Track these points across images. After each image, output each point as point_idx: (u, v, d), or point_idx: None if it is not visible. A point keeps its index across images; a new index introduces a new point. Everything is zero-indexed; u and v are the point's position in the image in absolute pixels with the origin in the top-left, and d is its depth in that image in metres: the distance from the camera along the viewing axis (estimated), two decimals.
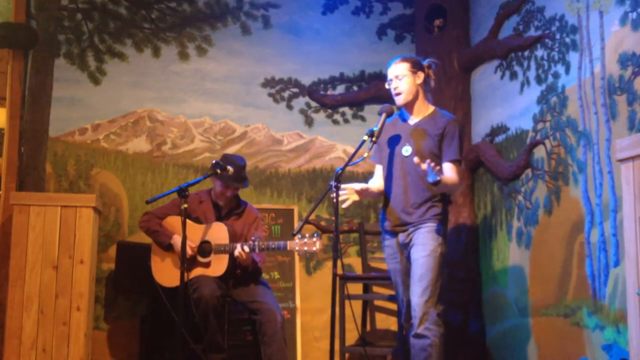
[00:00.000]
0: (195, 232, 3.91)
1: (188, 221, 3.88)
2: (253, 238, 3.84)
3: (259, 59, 5.10)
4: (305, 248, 3.69)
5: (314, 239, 3.69)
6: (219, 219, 4.03)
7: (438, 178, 3.02)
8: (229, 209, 4.09)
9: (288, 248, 3.76)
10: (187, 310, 3.61)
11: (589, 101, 3.57)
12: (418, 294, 3.17)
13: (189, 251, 3.78)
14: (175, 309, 3.39)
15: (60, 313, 3.92)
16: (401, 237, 3.34)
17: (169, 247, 3.91)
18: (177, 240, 3.85)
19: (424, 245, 3.22)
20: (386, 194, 3.42)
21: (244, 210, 4.11)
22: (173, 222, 3.97)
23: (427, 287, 3.16)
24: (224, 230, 3.89)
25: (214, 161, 3.91)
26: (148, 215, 4.04)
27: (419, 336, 3.16)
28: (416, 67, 3.38)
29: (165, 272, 3.90)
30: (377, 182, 3.52)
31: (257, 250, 3.79)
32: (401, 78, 3.35)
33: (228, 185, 3.95)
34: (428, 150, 3.29)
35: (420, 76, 3.38)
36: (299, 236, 3.72)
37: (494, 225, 4.52)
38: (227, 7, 5.09)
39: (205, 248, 3.91)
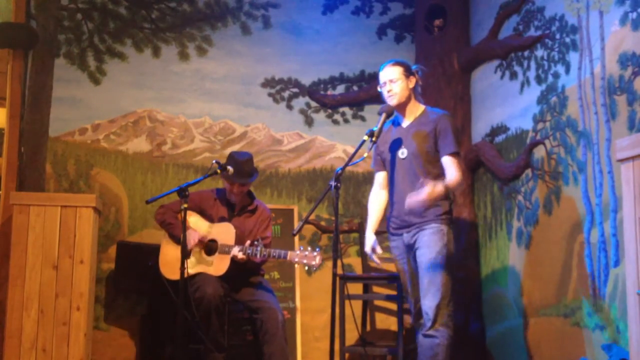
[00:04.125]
0: (204, 230, 3.93)
1: (199, 218, 3.95)
2: (256, 243, 3.83)
3: (259, 59, 5.10)
4: (305, 261, 3.68)
5: (315, 254, 3.67)
6: (232, 216, 4.04)
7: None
8: (242, 207, 4.09)
9: (288, 259, 3.75)
10: (188, 309, 3.61)
11: (589, 101, 3.57)
12: (429, 298, 3.22)
13: (194, 243, 3.80)
14: (178, 299, 3.37)
15: (60, 313, 3.92)
16: (405, 238, 3.37)
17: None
18: (192, 234, 3.85)
19: (430, 247, 3.25)
20: (390, 197, 3.46)
21: (256, 208, 4.12)
22: (188, 216, 3.96)
23: (438, 290, 3.21)
24: (232, 231, 3.89)
25: (214, 161, 3.90)
26: (164, 208, 4.02)
27: (428, 336, 3.24)
28: (408, 71, 3.46)
29: (171, 265, 3.90)
30: (379, 197, 3.58)
31: (258, 257, 3.79)
32: (395, 81, 3.42)
33: (232, 182, 3.95)
34: (423, 150, 3.32)
35: (412, 80, 3.46)
36: (300, 248, 3.73)
37: (494, 225, 4.52)
38: (227, 7, 5.09)
39: (211, 247, 3.91)
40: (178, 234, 3.89)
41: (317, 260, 3.67)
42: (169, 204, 4.05)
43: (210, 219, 4.01)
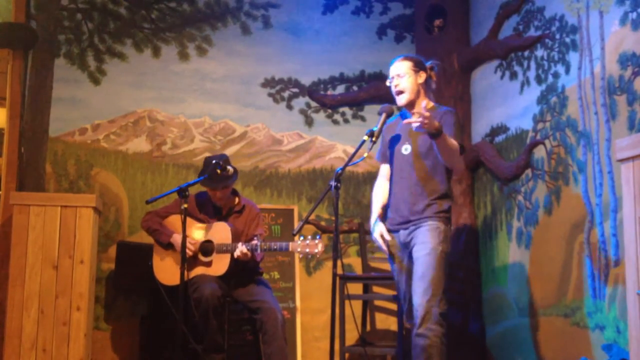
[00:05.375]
0: (198, 232, 3.92)
1: (191, 220, 3.91)
2: (255, 239, 3.83)
3: (259, 59, 5.10)
4: (307, 250, 3.68)
5: (316, 241, 3.68)
6: (220, 219, 4.03)
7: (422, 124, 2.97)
8: (229, 208, 4.08)
9: (290, 249, 3.75)
10: (187, 309, 3.61)
11: (589, 101, 3.57)
12: (419, 294, 3.16)
13: (189, 251, 3.78)
14: (176, 308, 3.38)
15: (60, 313, 3.92)
16: (402, 235, 3.34)
17: (169, 246, 3.91)
18: (177, 239, 3.85)
19: (424, 243, 3.21)
20: (390, 193, 3.44)
21: (244, 207, 4.11)
22: (175, 221, 3.97)
23: (429, 286, 3.14)
24: (227, 229, 3.89)
25: (213, 161, 3.89)
26: (150, 214, 4.03)
27: (420, 336, 3.15)
28: (418, 66, 3.39)
29: (167, 271, 3.90)
30: (384, 187, 3.51)
31: (259, 251, 3.79)
32: (402, 76, 3.36)
33: (214, 187, 3.93)
34: (426, 146, 3.29)
35: (422, 76, 3.39)
36: (301, 238, 3.71)
37: (494, 225, 4.52)
38: (227, 7, 5.09)
39: (207, 247, 3.91)
40: (164, 240, 3.91)
41: (319, 247, 3.67)
42: (155, 210, 4.07)
43: (200, 221, 4.00)
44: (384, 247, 3.40)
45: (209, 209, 4.06)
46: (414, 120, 3.00)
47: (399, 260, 3.41)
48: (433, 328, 3.12)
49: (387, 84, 3.42)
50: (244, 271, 3.96)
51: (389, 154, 3.45)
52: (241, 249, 3.75)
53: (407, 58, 3.42)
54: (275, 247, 3.80)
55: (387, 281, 4.58)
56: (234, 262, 3.85)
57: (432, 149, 3.28)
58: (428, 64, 3.44)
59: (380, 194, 3.52)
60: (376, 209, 3.49)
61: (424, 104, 3.06)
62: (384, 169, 3.55)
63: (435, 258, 3.17)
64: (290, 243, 3.74)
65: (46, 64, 4.69)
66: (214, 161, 3.88)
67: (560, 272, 3.76)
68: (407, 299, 3.38)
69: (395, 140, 3.43)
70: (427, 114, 2.97)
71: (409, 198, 3.32)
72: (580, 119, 3.64)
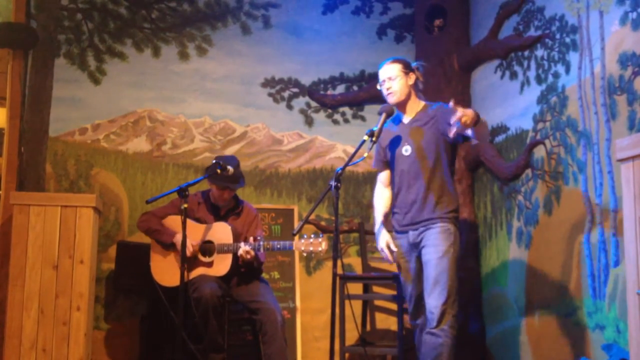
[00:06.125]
0: (197, 232, 3.91)
1: (190, 221, 3.89)
2: (258, 238, 3.83)
3: (259, 59, 5.10)
4: (311, 248, 3.68)
5: (320, 240, 3.68)
6: (218, 219, 4.03)
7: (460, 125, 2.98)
8: (228, 209, 4.08)
9: (294, 248, 3.75)
10: (187, 310, 3.61)
11: (589, 101, 3.57)
12: (435, 297, 3.20)
13: (189, 251, 3.78)
14: (175, 309, 3.38)
15: (60, 313, 3.92)
16: (411, 236, 3.35)
17: (170, 247, 3.91)
18: (179, 238, 3.84)
19: (437, 246, 3.23)
20: (395, 195, 3.45)
21: (242, 209, 4.11)
22: (173, 221, 3.97)
23: (444, 289, 3.18)
24: (228, 230, 3.89)
25: (213, 161, 3.90)
26: (147, 215, 4.03)
27: (433, 334, 3.20)
28: (408, 68, 3.44)
29: (166, 272, 3.90)
30: (384, 194, 3.53)
31: (262, 250, 3.80)
32: (394, 79, 3.40)
33: (224, 187, 3.94)
34: (428, 145, 3.31)
35: (412, 77, 3.44)
36: (304, 236, 3.71)
37: (494, 225, 4.52)
38: (227, 7, 5.09)
39: (208, 248, 3.90)
40: (166, 240, 3.90)
41: (323, 246, 3.67)
42: (152, 210, 4.06)
43: (198, 221, 4.00)
44: (390, 258, 3.42)
45: (208, 209, 4.06)
46: (457, 122, 2.99)
47: (405, 262, 3.42)
48: (447, 329, 3.19)
49: (378, 87, 3.46)
50: (247, 272, 3.96)
51: (390, 157, 3.46)
52: (244, 248, 3.75)
53: (396, 61, 3.45)
54: (278, 246, 3.80)
55: (387, 281, 4.58)
56: (237, 262, 3.84)
57: (434, 148, 3.30)
58: (413, 65, 3.48)
59: (381, 201, 3.53)
60: (380, 219, 3.50)
61: (457, 115, 2.98)
62: (382, 176, 3.57)
63: (448, 261, 3.21)
64: (294, 242, 3.74)
65: (46, 64, 4.69)
66: (214, 161, 3.89)
67: (560, 272, 3.76)
68: (412, 300, 3.40)
69: (394, 143, 3.44)
70: (461, 116, 2.95)
71: (416, 199, 3.33)
72: (580, 118, 3.64)
